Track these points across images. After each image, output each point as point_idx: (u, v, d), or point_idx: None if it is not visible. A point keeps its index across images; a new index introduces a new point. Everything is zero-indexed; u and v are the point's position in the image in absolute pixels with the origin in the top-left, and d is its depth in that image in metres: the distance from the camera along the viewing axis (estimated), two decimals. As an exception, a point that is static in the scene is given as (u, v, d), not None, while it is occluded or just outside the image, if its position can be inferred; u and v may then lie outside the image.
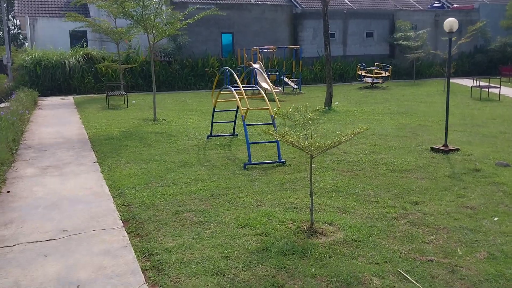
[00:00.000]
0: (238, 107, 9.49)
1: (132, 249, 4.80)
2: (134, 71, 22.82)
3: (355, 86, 24.60)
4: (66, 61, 21.61)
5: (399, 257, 4.54)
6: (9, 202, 6.37)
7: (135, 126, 12.62)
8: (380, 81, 24.61)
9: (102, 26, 19.58)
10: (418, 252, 4.66)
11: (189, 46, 24.57)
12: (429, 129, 11.66)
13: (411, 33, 27.55)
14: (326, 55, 15.93)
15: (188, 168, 8.01)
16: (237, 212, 5.77)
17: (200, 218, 5.58)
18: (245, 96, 8.78)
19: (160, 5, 12.75)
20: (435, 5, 33.24)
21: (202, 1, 25.64)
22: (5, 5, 29.51)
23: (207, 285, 4.03)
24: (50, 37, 23.88)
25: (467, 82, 22.88)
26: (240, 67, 22.48)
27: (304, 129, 5.23)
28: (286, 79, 23.07)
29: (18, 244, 4.98)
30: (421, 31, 27.46)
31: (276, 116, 7.09)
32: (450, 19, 8.94)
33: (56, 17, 25.13)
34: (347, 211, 5.82)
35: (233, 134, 10.99)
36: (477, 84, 19.87)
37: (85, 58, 22.24)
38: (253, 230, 5.18)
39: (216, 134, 10.94)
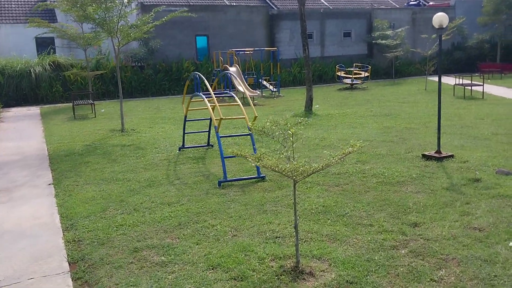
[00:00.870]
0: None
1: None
2: (104, 77, 21.70)
3: (334, 88, 23.89)
4: (32, 70, 20.43)
5: (405, 302, 3.72)
6: None
7: (100, 138, 11.59)
8: (359, 81, 23.98)
9: (68, 31, 18.45)
10: (427, 293, 3.85)
11: (162, 50, 23.56)
12: (416, 133, 10.94)
13: (389, 32, 27.05)
14: (304, 57, 15.09)
15: (154, 189, 7.07)
16: (208, 247, 4.86)
17: (162, 257, 4.65)
18: (217, 105, 7.90)
19: (124, 7, 11.71)
20: (411, 3, 32.88)
21: (175, 2, 24.66)
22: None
23: None
24: (15, 45, 22.68)
25: (448, 80, 22.36)
26: (216, 70, 21.56)
27: (285, 147, 4.37)
28: (264, 82, 22.23)
29: None
30: (399, 29, 26.99)
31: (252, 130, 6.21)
32: (440, 13, 8.16)
33: (21, 23, 23.84)
34: (338, 239, 4.97)
35: (208, 144, 10.09)
36: (460, 82, 19.34)
37: (52, 65, 21.02)
38: (227, 272, 4.29)
39: (189, 146, 10.02)
